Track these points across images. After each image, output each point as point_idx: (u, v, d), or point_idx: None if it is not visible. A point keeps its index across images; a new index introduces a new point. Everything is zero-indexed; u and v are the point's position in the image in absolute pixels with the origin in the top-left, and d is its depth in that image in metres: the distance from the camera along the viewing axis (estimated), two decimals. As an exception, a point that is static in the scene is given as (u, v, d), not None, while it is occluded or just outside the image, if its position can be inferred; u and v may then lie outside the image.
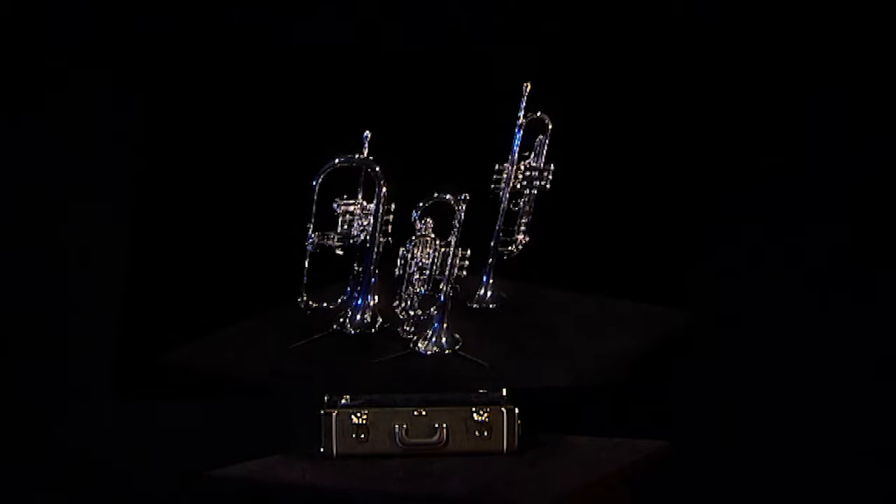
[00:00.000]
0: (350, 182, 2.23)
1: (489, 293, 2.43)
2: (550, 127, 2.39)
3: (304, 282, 2.21)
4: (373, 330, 2.25)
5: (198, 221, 2.32)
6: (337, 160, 2.21)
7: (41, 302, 2.14)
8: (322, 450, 1.88)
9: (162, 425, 2.08)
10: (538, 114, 2.39)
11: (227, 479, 1.86)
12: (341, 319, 2.26)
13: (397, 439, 1.90)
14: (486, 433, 1.91)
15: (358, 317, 2.25)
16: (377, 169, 2.21)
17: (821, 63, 2.26)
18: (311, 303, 2.22)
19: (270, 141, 2.38)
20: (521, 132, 2.39)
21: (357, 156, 2.23)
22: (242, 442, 2.00)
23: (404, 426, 1.90)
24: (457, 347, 2.18)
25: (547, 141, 2.39)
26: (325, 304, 2.24)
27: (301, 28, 2.36)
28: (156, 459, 2.05)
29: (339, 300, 2.26)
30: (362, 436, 1.90)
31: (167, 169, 2.29)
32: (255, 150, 2.37)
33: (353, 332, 2.24)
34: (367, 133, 2.22)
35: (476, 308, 2.41)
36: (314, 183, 2.19)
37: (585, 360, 2.21)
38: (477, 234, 2.27)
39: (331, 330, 2.25)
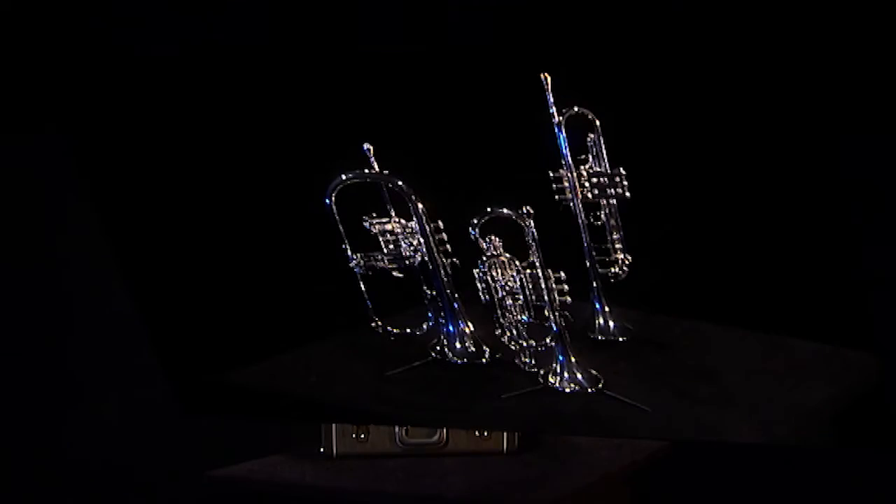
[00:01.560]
0: (350, 195, 2.03)
1: (612, 323, 2.12)
2: (598, 124, 2.07)
3: (370, 305, 2.03)
4: (483, 360, 2.05)
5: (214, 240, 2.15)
6: (344, 176, 2.01)
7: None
8: (322, 450, 1.88)
9: (162, 425, 2.07)
10: (576, 109, 2.07)
11: (227, 479, 1.85)
12: (437, 348, 2.07)
13: (397, 439, 1.89)
14: (485, 433, 1.90)
15: (457, 345, 2.07)
16: (400, 184, 2.02)
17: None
18: (390, 328, 2.05)
19: (265, 151, 2.26)
20: (563, 132, 2.07)
21: (368, 170, 2.02)
22: (242, 442, 2.00)
23: (404, 426, 1.89)
24: (600, 385, 1.95)
25: (601, 140, 2.08)
26: (407, 330, 2.06)
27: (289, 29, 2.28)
28: (156, 459, 2.05)
29: (424, 326, 2.07)
30: (362, 436, 1.90)
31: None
32: (248, 161, 2.25)
33: (458, 361, 2.06)
34: (369, 146, 2.02)
35: (602, 340, 2.11)
36: (327, 201, 1.99)
37: (770, 412, 1.88)
38: (553, 252, 1.98)
39: (430, 359, 2.05)
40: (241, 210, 2.21)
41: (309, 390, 2.02)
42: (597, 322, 2.10)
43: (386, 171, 2.01)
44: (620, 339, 2.10)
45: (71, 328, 2.14)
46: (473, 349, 2.06)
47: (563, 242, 2.08)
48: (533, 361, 1.99)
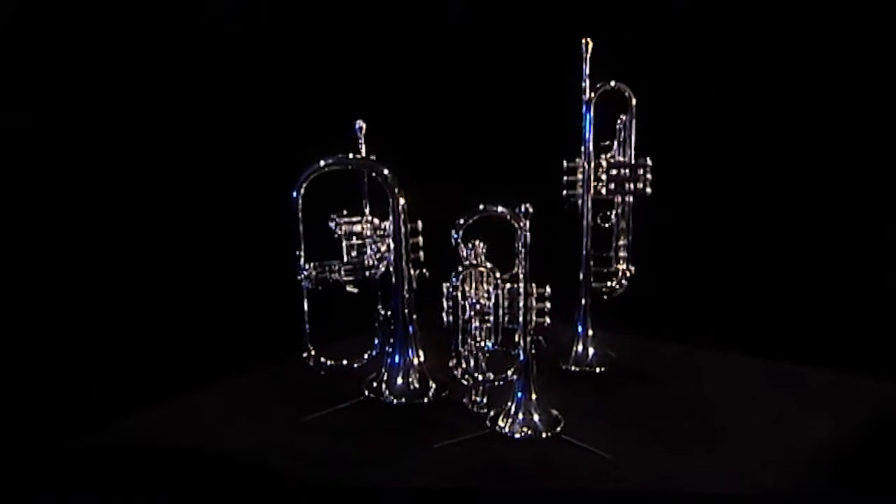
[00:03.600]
0: (342, 190, 1.76)
1: (591, 350, 1.88)
2: (634, 103, 1.79)
3: (307, 330, 1.73)
4: (425, 399, 1.78)
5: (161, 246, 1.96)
6: (323, 162, 1.69)
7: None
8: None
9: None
10: (612, 84, 1.79)
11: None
12: (374, 384, 1.79)
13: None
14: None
15: (399, 380, 1.78)
16: (385, 172, 1.71)
17: None
18: (323, 359, 1.75)
19: (239, 141, 1.99)
20: (591, 111, 1.78)
21: (352, 155, 1.71)
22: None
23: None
24: (558, 429, 1.68)
25: (633, 123, 1.80)
26: (344, 362, 1.77)
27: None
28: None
29: (366, 356, 1.78)
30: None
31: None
32: (220, 153, 1.98)
33: (394, 401, 1.77)
34: (361, 123, 1.71)
35: (575, 371, 1.87)
36: (294, 194, 1.68)
37: (761, 454, 1.62)
38: (550, 259, 1.70)
39: (362, 398, 1.77)
40: (167, 218, 2.04)
41: (201, 445, 1.70)
42: (574, 349, 1.87)
43: (373, 157, 1.73)
44: (598, 370, 1.87)
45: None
46: (417, 385, 1.78)
47: (559, 249, 1.84)
48: (484, 400, 1.72)
